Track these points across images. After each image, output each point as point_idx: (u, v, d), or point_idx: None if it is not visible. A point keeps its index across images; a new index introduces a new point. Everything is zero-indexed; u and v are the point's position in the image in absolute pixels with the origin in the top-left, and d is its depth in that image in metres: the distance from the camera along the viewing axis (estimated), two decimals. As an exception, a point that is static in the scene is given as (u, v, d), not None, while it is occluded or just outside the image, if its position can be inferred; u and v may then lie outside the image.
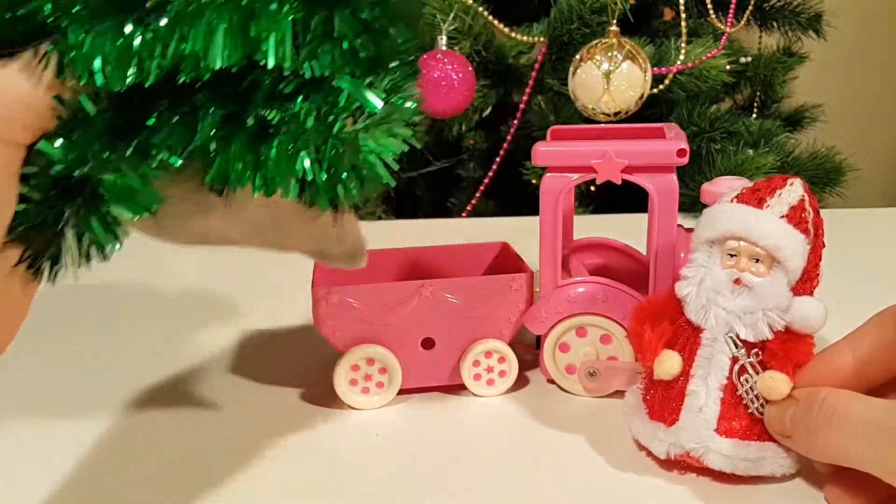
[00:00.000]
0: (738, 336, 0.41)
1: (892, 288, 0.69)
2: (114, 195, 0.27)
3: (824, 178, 1.16)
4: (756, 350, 0.41)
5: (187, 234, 0.33)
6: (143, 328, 0.64)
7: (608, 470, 0.43)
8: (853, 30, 1.50)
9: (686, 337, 0.43)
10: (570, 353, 0.51)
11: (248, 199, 0.30)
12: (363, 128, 0.29)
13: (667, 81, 1.04)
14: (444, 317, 0.50)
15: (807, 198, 0.42)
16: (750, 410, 0.41)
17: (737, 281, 0.41)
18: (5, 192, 0.26)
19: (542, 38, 1.06)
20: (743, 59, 1.21)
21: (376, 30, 0.28)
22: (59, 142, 0.26)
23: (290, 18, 0.26)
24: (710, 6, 1.06)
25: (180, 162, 0.27)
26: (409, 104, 0.31)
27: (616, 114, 0.90)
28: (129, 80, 0.25)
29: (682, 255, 0.49)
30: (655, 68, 1.00)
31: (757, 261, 0.41)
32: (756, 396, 0.41)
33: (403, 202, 1.20)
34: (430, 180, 1.20)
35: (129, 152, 0.26)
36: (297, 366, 0.55)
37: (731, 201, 0.42)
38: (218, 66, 0.25)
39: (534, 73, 1.07)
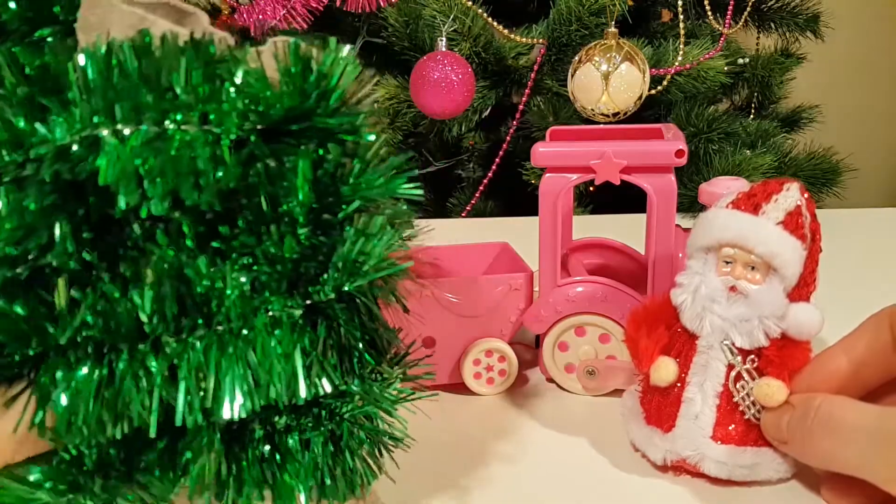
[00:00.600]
0: (733, 344, 0.41)
1: (888, 288, 0.69)
2: None
3: (821, 178, 1.17)
4: (752, 356, 0.41)
5: None
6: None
7: (607, 469, 0.44)
8: (851, 31, 1.51)
9: (682, 343, 0.42)
10: (570, 352, 0.51)
11: None
12: None
13: (665, 82, 1.04)
14: (445, 316, 0.50)
15: (804, 202, 0.41)
16: (746, 417, 0.41)
17: (732, 288, 0.41)
18: None
19: (541, 40, 1.07)
20: (741, 60, 1.22)
21: None
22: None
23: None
24: (708, 7, 1.06)
25: None
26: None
27: (615, 114, 0.91)
28: None
29: (680, 255, 0.49)
30: (654, 69, 1.01)
31: (752, 268, 0.40)
32: (752, 403, 0.41)
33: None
34: (430, 180, 1.21)
35: None
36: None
37: (727, 206, 0.42)
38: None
39: (533, 75, 1.08)
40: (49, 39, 0.27)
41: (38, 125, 0.24)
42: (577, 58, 0.92)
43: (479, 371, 0.51)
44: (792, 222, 0.40)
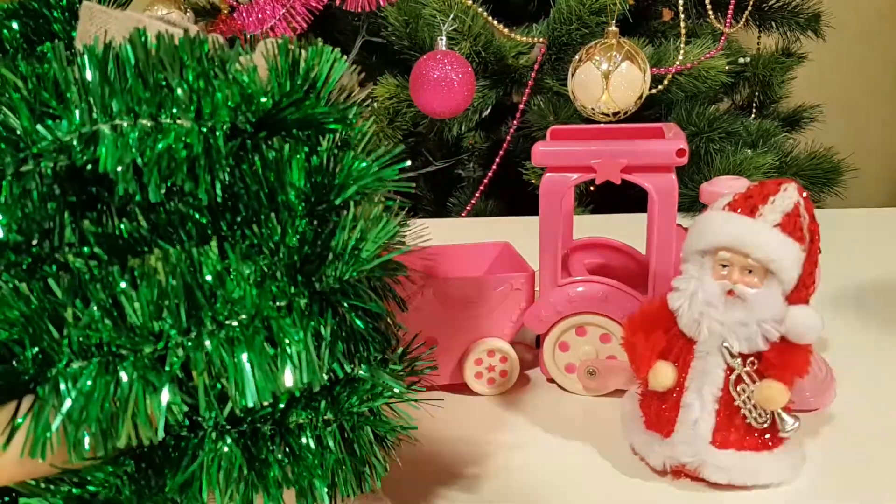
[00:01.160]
0: (732, 347, 0.41)
1: (889, 288, 0.69)
2: None
3: (822, 177, 1.17)
4: (752, 359, 0.40)
5: None
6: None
7: (607, 469, 0.44)
8: (852, 30, 1.51)
9: (680, 347, 0.42)
10: (570, 352, 0.51)
11: None
12: None
13: (666, 82, 1.04)
14: (446, 316, 0.50)
15: (802, 203, 0.40)
16: (748, 421, 0.41)
17: (730, 292, 0.40)
18: None
19: (541, 39, 1.07)
20: (742, 60, 1.21)
21: None
22: None
23: None
24: (708, 7, 1.06)
25: None
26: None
27: (615, 114, 0.90)
28: None
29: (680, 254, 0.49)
30: (654, 69, 1.01)
31: (750, 271, 0.40)
32: (753, 406, 0.40)
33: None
34: (430, 180, 1.21)
35: None
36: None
37: (723, 209, 0.41)
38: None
39: (533, 74, 1.08)
40: (49, 55, 0.28)
41: (38, 127, 0.25)
42: (577, 57, 0.92)
43: (481, 371, 0.51)
44: (789, 224, 0.40)
